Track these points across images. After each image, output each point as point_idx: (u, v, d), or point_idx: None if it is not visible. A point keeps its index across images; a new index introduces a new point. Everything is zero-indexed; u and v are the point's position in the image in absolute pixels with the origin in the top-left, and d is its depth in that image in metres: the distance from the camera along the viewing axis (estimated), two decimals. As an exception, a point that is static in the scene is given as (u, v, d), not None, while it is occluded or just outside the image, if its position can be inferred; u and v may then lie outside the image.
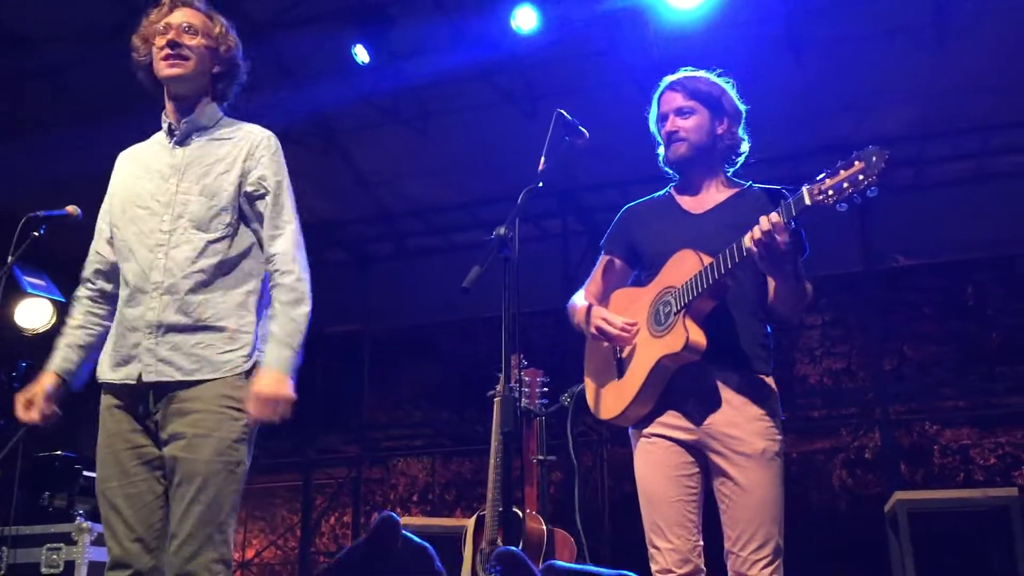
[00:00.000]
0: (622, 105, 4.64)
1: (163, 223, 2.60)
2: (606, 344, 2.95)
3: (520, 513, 4.03)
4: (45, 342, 7.91)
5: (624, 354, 2.91)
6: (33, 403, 2.65)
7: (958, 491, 6.20)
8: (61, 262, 8.36)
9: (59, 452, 5.26)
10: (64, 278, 8.27)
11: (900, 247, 8.29)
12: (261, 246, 2.68)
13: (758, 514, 2.71)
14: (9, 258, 3.14)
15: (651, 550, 2.83)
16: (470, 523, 4.29)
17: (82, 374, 2.69)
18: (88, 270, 2.80)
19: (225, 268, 2.60)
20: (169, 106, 2.73)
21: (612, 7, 6.32)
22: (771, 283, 2.80)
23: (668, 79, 3.06)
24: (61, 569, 4.84)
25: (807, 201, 2.48)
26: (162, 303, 2.54)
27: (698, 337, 2.68)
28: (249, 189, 2.66)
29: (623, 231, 3.10)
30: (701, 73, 3.04)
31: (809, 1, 6.46)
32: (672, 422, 2.83)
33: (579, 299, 3.08)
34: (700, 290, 2.68)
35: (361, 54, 6.69)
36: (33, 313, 7.73)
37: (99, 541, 4.81)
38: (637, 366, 2.84)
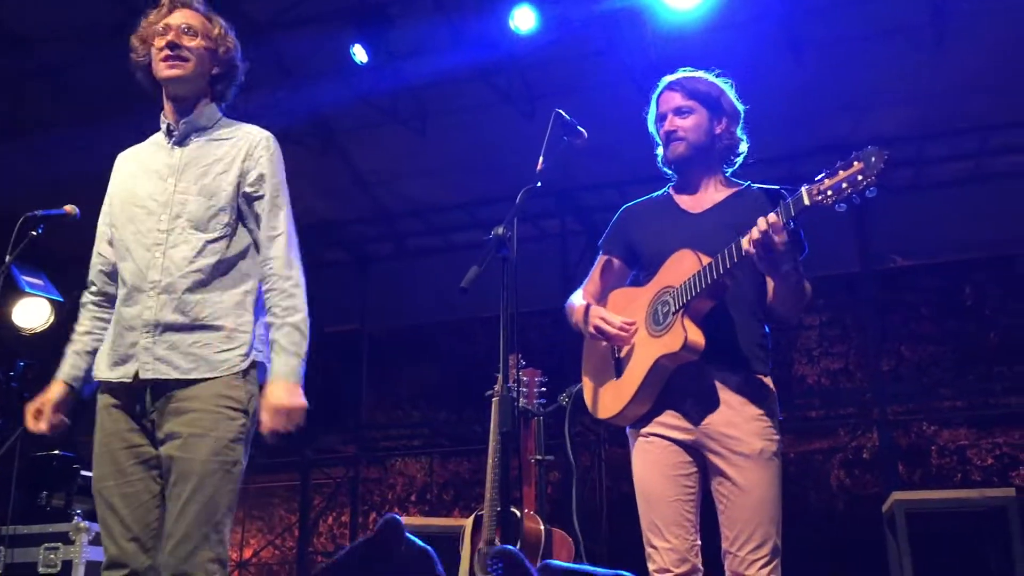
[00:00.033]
0: (620, 105, 4.64)
1: (161, 223, 2.60)
2: (604, 344, 2.96)
3: (518, 513, 4.03)
4: (43, 342, 7.94)
5: (622, 354, 2.91)
6: (42, 413, 2.66)
7: (955, 491, 6.20)
8: (59, 261, 8.38)
9: (57, 452, 5.26)
10: (62, 277, 8.27)
11: (898, 247, 8.30)
12: (258, 246, 2.68)
13: (756, 514, 2.71)
14: (7, 257, 3.14)
15: (648, 549, 2.83)
16: (468, 523, 4.29)
17: (91, 381, 2.69)
18: (92, 273, 2.80)
19: (223, 268, 2.61)
20: (168, 107, 2.73)
21: (610, 7, 6.32)
22: (770, 283, 2.80)
23: (667, 79, 3.06)
24: (58, 569, 4.83)
25: (806, 201, 2.48)
26: (159, 302, 2.54)
27: (696, 337, 2.68)
28: (247, 190, 2.67)
29: (621, 231, 3.10)
30: (700, 73, 3.04)
31: (807, 1, 6.47)
32: (670, 422, 2.83)
33: (577, 299, 3.08)
34: (698, 290, 2.68)
35: (360, 54, 6.69)
36: (31, 313, 7.72)
37: (97, 541, 4.80)
38: (635, 366, 2.84)
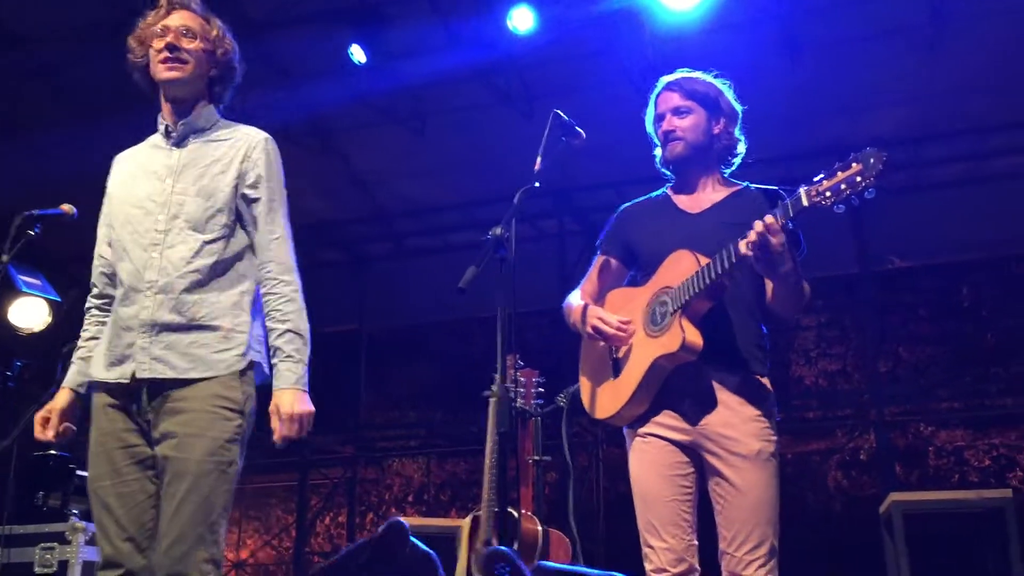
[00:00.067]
0: (619, 105, 4.65)
1: (158, 223, 2.60)
2: (602, 344, 2.96)
3: (515, 513, 4.02)
4: (40, 342, 7.92)
5: (620, 354, 2.91)
6: (50, 421, 2.67)
7: (953, 492, 6.21)
8: (56, 261, 8.40)
9: (53, 452, 5.25)
10: (59, 277, 8.25)
11: (896, 249, 8.30)
12: (255, 248, 2.68)
13: (753, 515, 2.71)
14: (4, 257, 3.13)
15: (645, 549, 2.83)
16: (465, 523, 4.29)
17: None
18: (94, 275, 2.80)
19: (220, 268, 2.61)
20: (166, 108, 2.73)
21: (609, 8, 6.33)
22: (769, 284, 2.81)
23: (665, 79, 3.07)
24: (55, 569, 4.82)
25: (805, 202, 2.48)
26: (156, 302, 2.54)
27: (694, 337, 2.68)
28: (245, 191, 2.67)
29: (619, 231, 3.10)
30: (698, 74, 3.04)
31: (805, 2, 6.47)
32: (667, 422, 2.83)
33: (575, 299, 3.08)
34: (697, 291, 2.68)
35: (357, 54, 6.69)
36: (28, 312, 7.70)
37: (93, 541, 4.78)
38: (633, 366, 2.84)
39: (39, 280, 7.29)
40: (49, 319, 7.69)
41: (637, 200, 3.14)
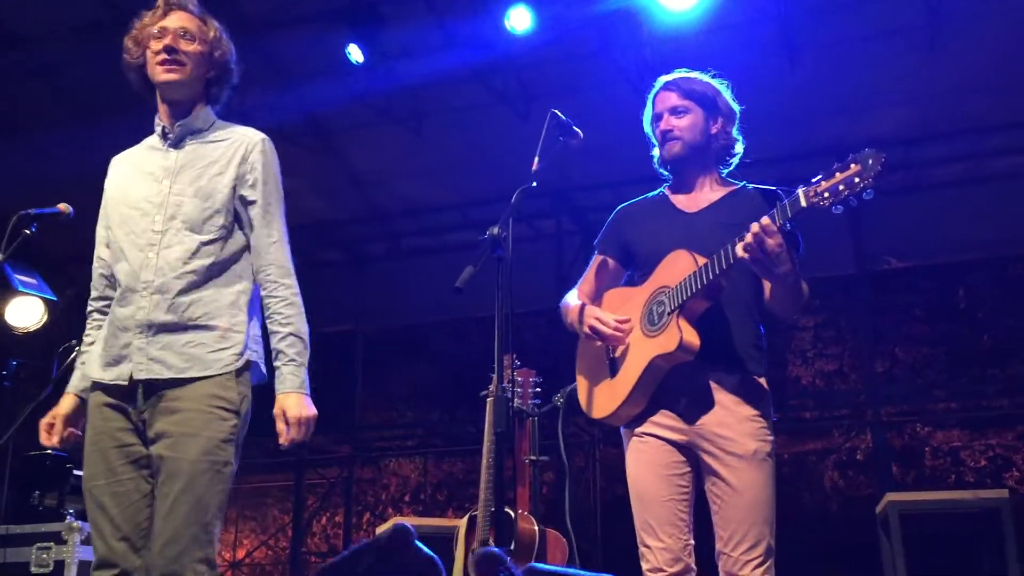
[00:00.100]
0: (616, 105, 4.65)
1: (155, 223, 2.60)
2: (599, 343, 2.95)
3: (512, 513, 4.02)
4: (36, 341, 7.90)
5: (617, 353, 2.91)
6: (54, 427, 2.67)
7: (949, 492, 6.21)
8: (53, 260, 8.39)
9: (49, 451, 5.24)
10: (56, 276, 8.24)
11: (892, 249, 8.31)
12: (251, 249, 2.68)
13: (749, 515, 2.71)
14: (0, 256, 3.12)
15: (642, 549, 2.83)
16: (462, 523, 4.29)
17: None
18: (94, 278, 2.79)
19: (217, 269, 2.60)
20: (163, 109, 2.72)
21: (607, 8, 6.33)
22: (767, 283, 2.80)
23: (663, 79, 3.07)
24: (51, 568, 4.82)
25: (803, 203, 2.48)
26: (152, 302, 2.53)
27: (692, 337, 2.68)
28: (243, 193, 2.66)
29: (617, 231, 3.10)
30: (696, 74, 3.04)
31: (804, 2, 6.47)
32: (664, 422, 2.83)
33: (572, 298, 3.08)
34: (694, 291, 2.68)
35: (355, 54, 6.69)
36: (24, 312, 7.71)
37: (89, 540, 4.79)
38: (630, 366, 2.84)
39: (35, 279, 7.29)
40: (45, 318, 7.69)
41: (635, 200, 3.14)
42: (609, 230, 3.13)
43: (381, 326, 10.06)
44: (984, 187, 7.68)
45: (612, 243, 3.09)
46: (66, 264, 8.70)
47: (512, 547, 3.82)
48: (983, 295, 8.71)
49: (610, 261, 3.09)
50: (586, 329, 2.92)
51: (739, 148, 3.03)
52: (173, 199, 2.61)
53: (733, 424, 2.75)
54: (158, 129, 2.74)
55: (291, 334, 2.59)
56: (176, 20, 2.66)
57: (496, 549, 2.15)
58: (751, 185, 3.00)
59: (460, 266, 2.52)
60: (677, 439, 2.81)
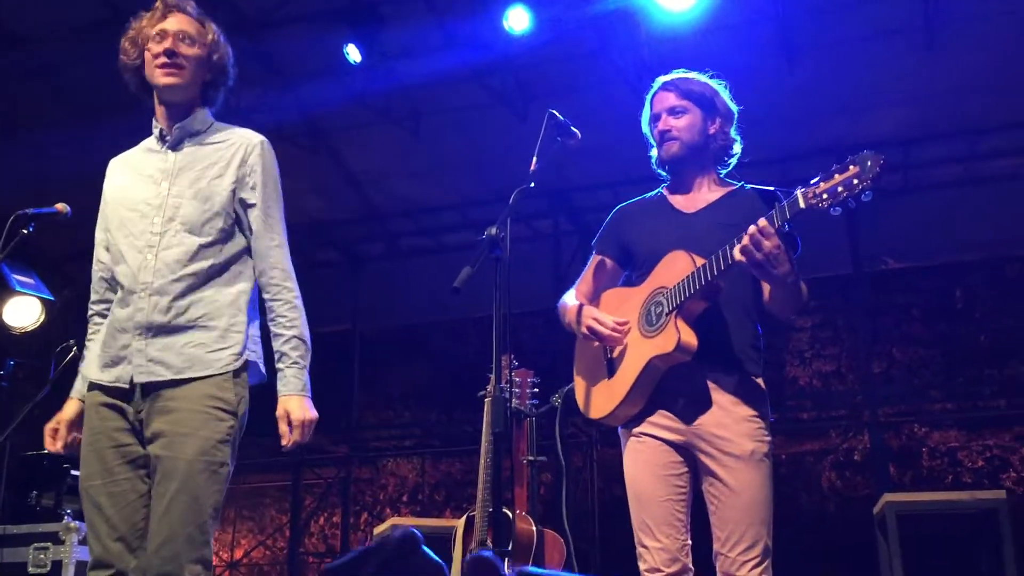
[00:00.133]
0: (614, 106, 4.65)
1: (153, 225, 2.60)
2: (596, 344, 2.95)
3: (510, 514, 4.02)
4: (33, 341, 7.89)
5: (615, 354, 2.91)
6: (59, 432, 2.67)
7: (946, 493, 6.22)
8: (51, 260, 8.38)
9: (47, 451, 5.24)
10: (54, 276, 8.23)
11: (890, 250, 8.32)
12: (251, 250, 2.69)
13: (747, 515, 2.71)
14: (-2, 256, 3.12)
15: (639, 549, 2.83)
16: (460, 524, 4.28)
17: None
18: (94, 281, 2.79)
19: (217, 270, 2.61)
20: (160, 111, 2.72)
21: (604, 8, 6.33)
22: (766, 285, 2.80)
23: (661, 79, 3.07)
24: (48, 568, 4.82)
25: (801, 204, 2.48)
26: (151, 304, 2.53)
27: (690, 338, 2.68)
28: (243, 196, 2.67)
29: (615, 231, 3.09)
30: (694, 74, 3.04)
31: (802, 3, 6.48)
32: (661, 422, 2.83)
33: (570, 299, 3.08)
34: (692, 291, 2.68)
35: (353, 53, 6.68)
36: (21, 311, 7.71)
37: (86, 541, 4.79)
38: (628, 366, 2.84)
39: (32, 279, 7.29)
40: (42, 318, 7.69)
41: (633, 200, 3.14)
42: (607, 230, 3.12)
43: (379, 326, 10.06)
44: (982, 188, 7.69)
45: (610, 243, 3.09)
46: (64, 264, 8.69)
47: (510, 548, 3.82)
48: (981, 295, 8.72)
49: (608, 261, 3.09)
50: (584, 329, 2.92)
51: (737, 148, 3.03)
52: (172, 201, 2.61)
53: (731, 425, 2.75)
54: (155, 131, 2.73)
55: (295, 337, 2.60)
56: (176, 23, 2.66)
57: (488, 553, 2.15)
58: (749, 186, 3.00)
59: (458, 266, 2.52)
60: (675, 439, 2.81)
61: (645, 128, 3.07)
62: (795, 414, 8.87)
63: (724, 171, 3.05)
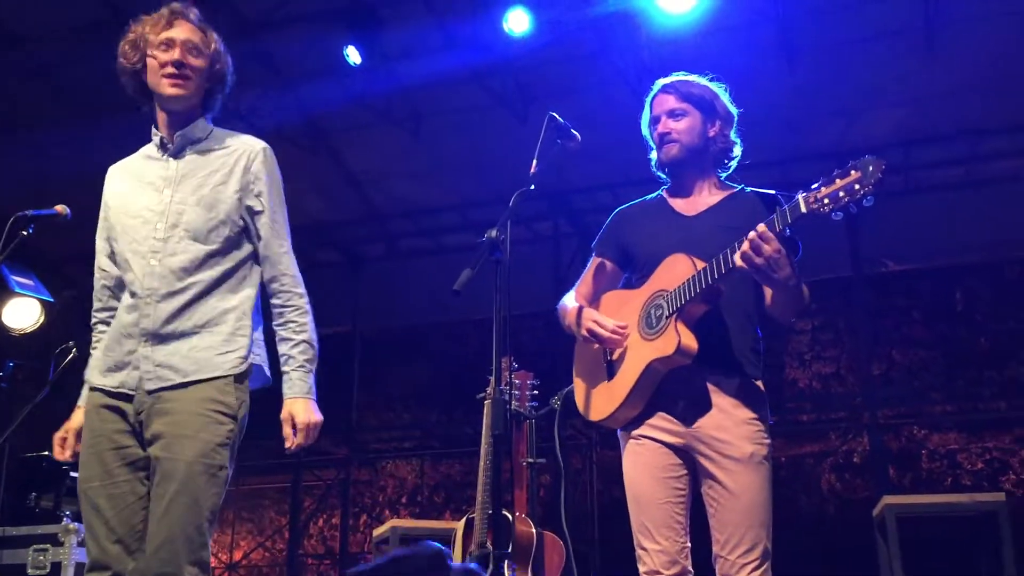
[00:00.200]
0: (614, 108, 4.66)
1: (156, 231, 2.60)
2: (596, 346, 2.95)
3: (510, 516, 4.02)
4: (33, 342, 7.88)
5: (614, 356, 2.91)
6: (67, 441, 2.67)
7: (946, 496, 6.21)
8: (50, 261, 8.38)
9: (46, 453, 5.24)
10: (53, 277, 8.23)
11: (890, 252, 8.32)
12: (256, 255, 2.69)
13: (746, 518, 2.70)
14: (-2, 257, 3.12)
15: (639, 551, 2.83)
16: (459, 526, 4.28)
17: None
18: (96, 289, 2.79)
19: (223, 277, 2.62)
20: (162, 118, 2.71)
21: (604, 10, 6.33)
22: (767, 290, 2.80)
23: (661, 82, 3.06)
24: (47, 570, 4.82)
25: (803, 209, 2.47)
26: (157, 310, 2.54)
27: (690, 341, 2.68)
28: (249, 203, 2.67)
29: (615, 233, 3.09)
30: (694, 77, 3.04)
31: (802, 5, 6.48)
32: (661, 424, 2.82)
33: (569, 301, 3.07)
34: (692, 295, 2.67)
35: (353, 55, 6.69)
36: (21, 313, 7.71)
37: (85, 542, 4.79)
38: (628, 368, 2.83)
39: (32, 280, 7.29)
40: (42, 319, 7.69)
41: (633, 202, 3.14)
42: (607, 232, 3.12)
43: (378, 327, 10.06)
44: (983, 190, 7.69)
45: (610, 245, 3.09)
46: (63, 265, 8.69)
47: (510, 550, 3.82)
48: (981, 298, 8.72)
49: (608, 263, 3.09)
50: (584, 332, 2.91)
51: (737, 151, 3.02)
52: (175, 207, 2.61)
53: (730, 427, 2.74)
54: (156, 139, 2.73)
55: (303, 341, 2.63)
56: (183, 32, 2.65)
57: (474, 566, 2.13)
58: (749, 188, 3.00)
59: (458, 267, 2.52)
60: (674, 442, 2.80)
61: (645, 130, 3.07)
62: (795, 416, 8.87)
63: (724, 174, 3.04)
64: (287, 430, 2.57)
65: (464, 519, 4.26)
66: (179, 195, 2.63)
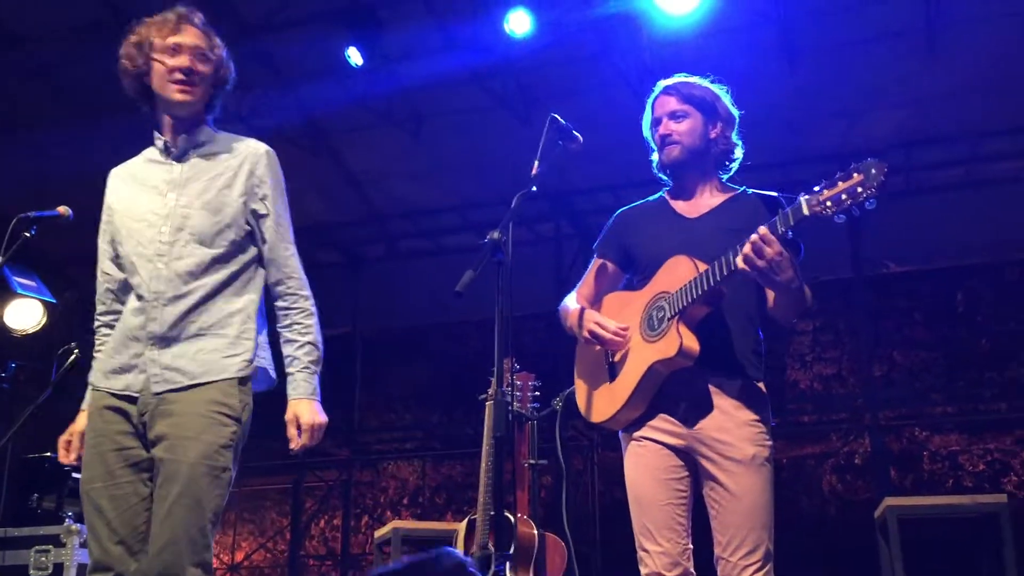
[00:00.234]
0: (616, 109, 4.66)
1: (162, 235, 2.60)
2: (598, 348, 2.95)
3: (512, 518, 4.02)
4: (35, 343, 7.88)
5: (616, 358, 2.91)
6: (72, 444, 2.68)
7: (947, 497, 6.20)
8: (52, 262, 8.38)
9: (48, 454, 5.24)
10: (55, 278, 8.23)
11: (891, 253, 8.32)
12: (261, 258, 2.71)
13: (748, 520, 2.70)
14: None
15: (640, 553, 2.82)
16: (461, 527, 4.28)
17: None
18: (99, 292, 2.79)
19: (228, 281, 2.63)
20: (167, 122, 2.71)
21: (606, 12, 6.34)
22: (769, 291, 2.80)
23: (662, 83, 3.06)
24: (49, 571, 4.82)
25: (805, 212, 2.46)
26: (164, 313, 2.55)
27: (692, 343, 2.68)
28: (254, 207, 2.68)
29: (616, 235, 3.09)
30: (695, 78, 3.04)
31: (802, 7, 6.48)
32: (662, 426, 2.82)
33: (571, 302, 3.07)
34: (694, 297, 2.67)
35: (354, 56, 6.69)
36: (23, 314, 7.72)
37: (87, 543, 4.79)
38: (629, 370, 2.83)
39: (34, 281, 7.29)
40: (44, 320, 7.70)
41: (634, 204, 3.14)
42: (609, 234, 3.12)
43: (379, 328, 10.06)
44: (983, 191, 7.69)
45: (612, 247, 3.09)
46: (65, 266, 8.69)
47: (511, 551, 3.82)
48: (982, 299, 8.71)
49: (609, 265, 3.09)
50: (586, 333, 2.91)
51: (738, 153, 3.02)
52: (180, 211, 2.62)
53: (732, 429, 2.74)
54: (159, 143, 2.73)
55: (308, 343, 2.65)
56: (191, 37, 2.65)
57: None
58: (751, 190, 3.00)
59: (458, 268, 2.52)
60: (676, 444, 2.80)
61: (646, 132, 3.07)
62: (796, 417, 8.87)
63: (726, 176, 3.04)
64: (292, 431, 2.59)
65: (466, 520, 4.26)
66: (184, 199, 2.63)
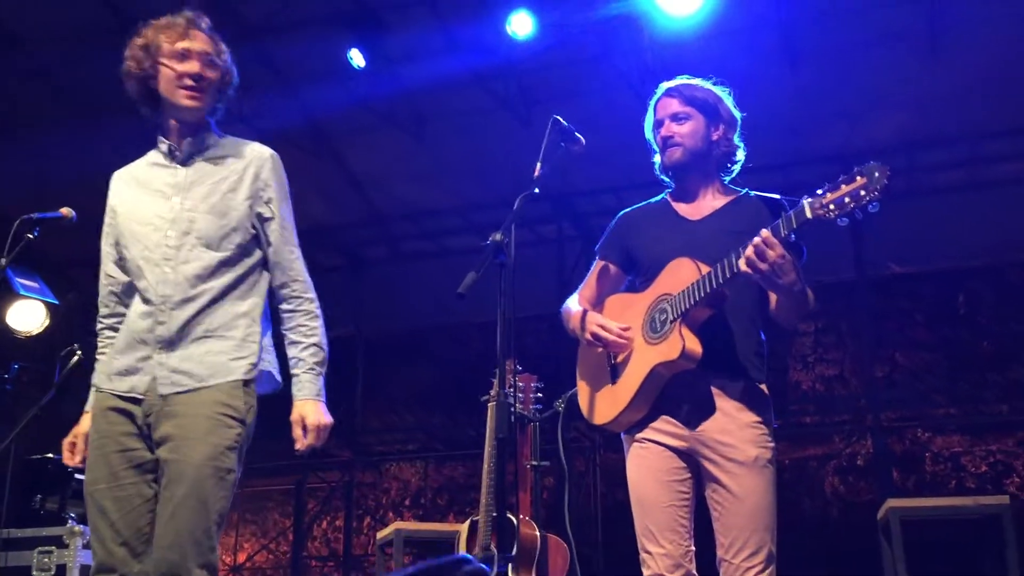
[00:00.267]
0: (618, 111, 4.66)
1: (168, 238, 2.61)
2: (600, 349, 2.95)
3: (514, 519, 4.02)
4: (38, 344, 7.89)
5: (618, 360, 2.91)
6: (76, 446, 2.69)
7: (950, 499, 6.20)
8: (54, 264, 8.39)
9: (51, 455, 5.25)
10: (58, 280, 8.24)
11: (893, 255, 8.31)
12: (266, 261, 2.72)
13: (750, 521, 2.70)
14: (2, 260, 3.13)
15: (643, 555, 2.82)
16: (463, 528, 4.29)
17: None
18: (102, 295, 2.80)
19: (234, 284, 2.64)
20: (172, 126, 2.71)
21: (608, 14, 6.34)
22: (772, 294, 2.80)
23: (664, 85, 3.06)
24: (52, 572, 4.83)
25: (808, 214, 2.46)
26: (171, 317, 2.56)
27: (694, 346, 2.68)
28: (259, 211, 2.69)
29: (619, 236, 3.09)
30: (697, 80, 3.04)
31: (804, 9, 6.48)
32: (665, 428, 2.82)
33: (573, 304, 3.07)
34: (697, 299, 2.67)
35: (357, 58, 6.70)
36: (26, 315, 7.73)
37: (90, 545, 4.79)
38: (632, 372, 2.83)
39: (37, 283, 7.30)
40: (47, 322, 7.71)
41: (637, 206, 3.14)
42: (611, 235, 3.12)
43: (381, 330, 10.06)
44: (986, 192, 7.68)
45: (614, 248, 3.09)
46: (68, 268, 8.70)
47: (514, 552, 3.82)
48: (984, 300, 8.71)
49: (611, 267, 3.09)
50: (588, 336, 2.91)
51: (740, 155, 3.02)
52: (186, 215, 2.62)
53: (734, 431, 2.74)
54: (163, 146, 2.73)
55: (313, 344, 2.66)
56: (199, 43, 2.65)
57: None
58: (754, 193, 3.00)
59: (461, 270, 2.52)
60: (678, 445, 2.80)
61: (648, 134, 3.07)
62: (798, 419, 8.86)
63: (728, 178, 3.04)
64: (297, 431, 2.60)
65: (468, 521, 4.27)
66: (189, 202, 2.64)
